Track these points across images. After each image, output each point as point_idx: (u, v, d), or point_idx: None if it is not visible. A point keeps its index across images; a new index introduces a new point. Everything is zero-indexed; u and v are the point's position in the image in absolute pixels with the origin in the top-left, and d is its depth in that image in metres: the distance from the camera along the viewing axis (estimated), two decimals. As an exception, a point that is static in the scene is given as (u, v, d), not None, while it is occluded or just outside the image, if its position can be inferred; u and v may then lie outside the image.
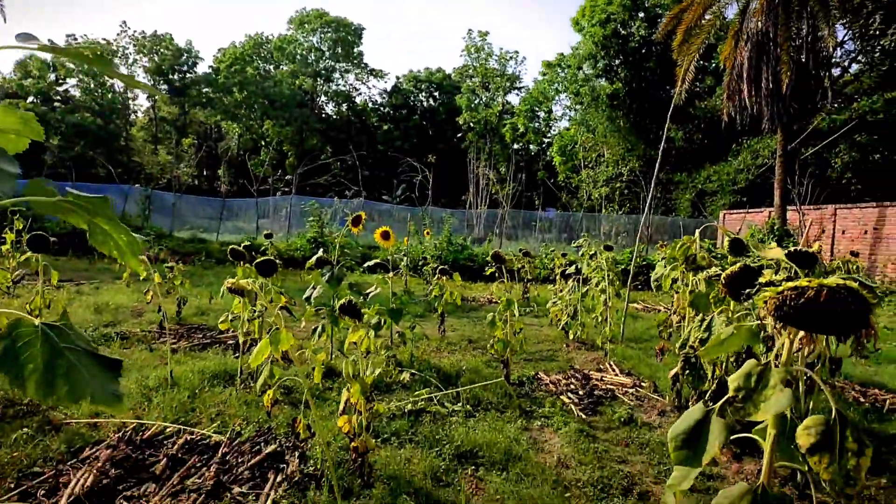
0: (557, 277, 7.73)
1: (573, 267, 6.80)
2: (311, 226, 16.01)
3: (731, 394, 1.18)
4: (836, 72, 25.33)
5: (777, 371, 1.17)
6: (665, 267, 4.25)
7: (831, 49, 15.23)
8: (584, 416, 4.21)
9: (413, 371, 4.94)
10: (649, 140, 32.96)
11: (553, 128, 45.86)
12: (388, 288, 5.40)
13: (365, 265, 5.38)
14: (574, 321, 6.93)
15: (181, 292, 6.98)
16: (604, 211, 29.54)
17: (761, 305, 1.23)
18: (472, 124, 44.68)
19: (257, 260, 3.65)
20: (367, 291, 5.00)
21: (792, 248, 2.56)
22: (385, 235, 5.09)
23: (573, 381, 5.14)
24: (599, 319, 6.66)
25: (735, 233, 16.38)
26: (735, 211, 21.59)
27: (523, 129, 42.59)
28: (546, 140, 46.19)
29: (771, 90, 13.23)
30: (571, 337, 6.87)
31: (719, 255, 13.76)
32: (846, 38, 24.65)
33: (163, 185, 30.04)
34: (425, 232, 13.17)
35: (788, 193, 15.13)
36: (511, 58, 47.08)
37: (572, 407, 4.39)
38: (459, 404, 4.24)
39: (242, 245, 4.88)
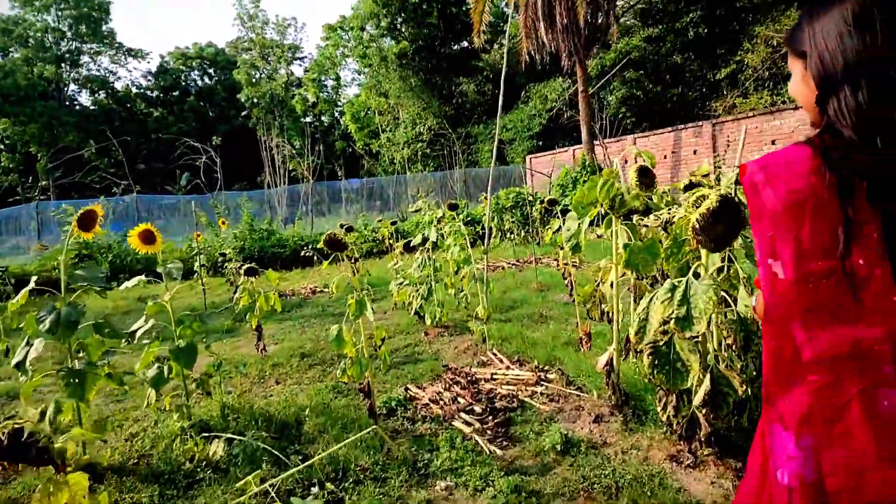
0: (397, 251, 6.33)
1: (420, 236, 5.38)
2: (69, 235, 12.76)
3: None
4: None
5: None
6: (578, 218, 2.96)
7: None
8: (498, 452, 2.84)
9: (231, 434, 3.20)
10: (443, 96, 32.58)
11: (343, 96, 43.90)
12: (169, 307, 3.53)
13: (131, 281, 3.40)
14: (430, 302, 5.56)
15: None
16: (409, 172, 28.67)
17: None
18: (255, 100, 40.98)
19: None
20: (134, 329, 3.17)
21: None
22: (147, 237, 3.21)
23: (458, 390, 3.76)
24: (462, 295, 5.37)
25: (547, 174, 16.04)
26: (540, 154, 21.82)
27: (314, 98, 40.13)
28: (339, 109, 44.12)
29: (566, 26, 12.90)
30: (429, 322, 5.50)
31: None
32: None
33: None
34: (220, 222, 10.92)
35: (593, 129, 15.20)
36: (289, 25, 43.90)
37: (476, 438, 3.00)
38: (315, 488, 2.63)
39: None
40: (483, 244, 6.15)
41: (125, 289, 3.22)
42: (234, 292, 8.47)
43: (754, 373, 2.27)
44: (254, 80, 41.34)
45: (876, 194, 1.05)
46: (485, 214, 6.40)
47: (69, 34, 41.76)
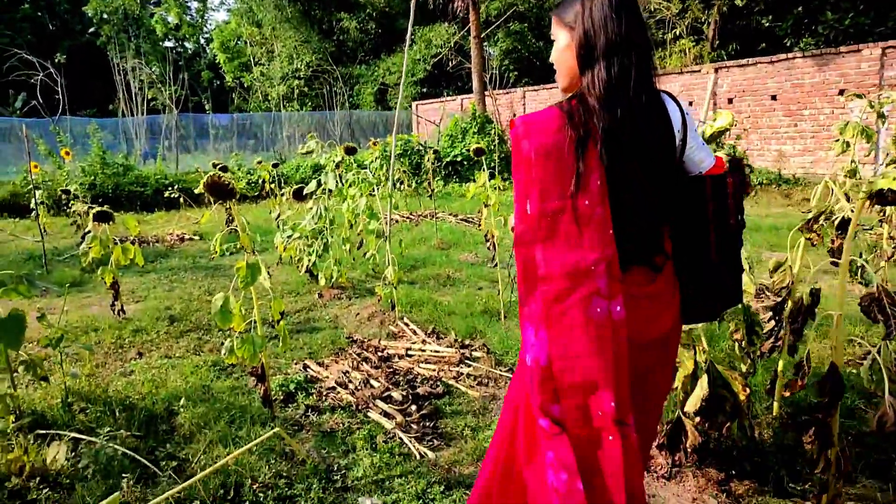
0: (283, 199, 5.55)
1: (314, 183, 4.66)
2: None
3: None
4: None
5: None
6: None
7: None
8: (430, 455, 2.36)
9: (77, 432, 2.44)
10: (323, 31, 30.60)
11: (211, 22, 40.10)
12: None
13: None
14: (324, 259, 4.89)
15: None
16: (285, 110, 26.86)
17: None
18: (105, 15, 36.19)
19: None
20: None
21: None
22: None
23: (369, 369, 3.21)
24: (363, 252, 4.78)
25: (436, 122, 15.46)
26: (427, 101, 21.13)
27: (177, 20, 36.19)
28: (205, 36, 40.21)
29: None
30: (324, 283, 4.86)
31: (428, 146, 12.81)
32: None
33: None
34: (63, 152, 9.32)
35: (483, 79, 14.75)
36: (145, -70, 38.80)
37: (401, 436, 2.49)
38: (199, 520, 2.00)
39: None
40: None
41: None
42: (82, 238, 7.24)
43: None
44: (103, -9, 36.40)
45: (607, 152, 1.27)
46: (377, 160, 5.72)
47: None
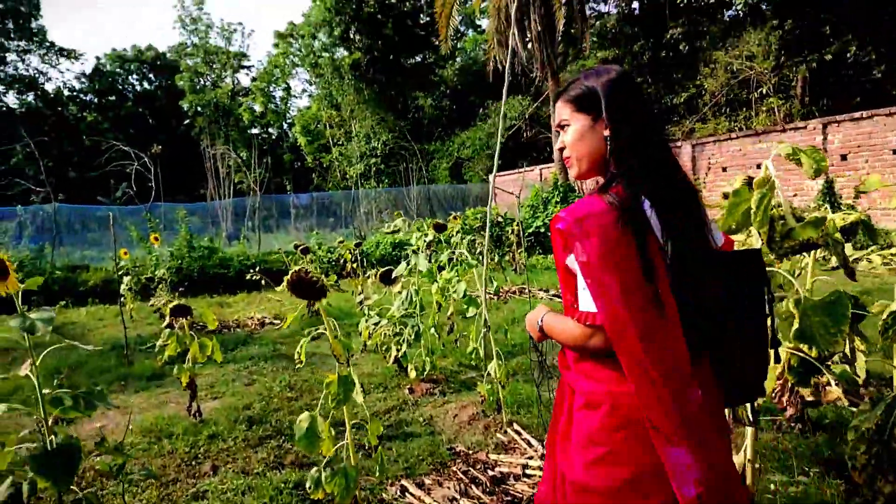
0: (368, 281, 5.16)
1: (403, 265, 4.23)
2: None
3: None
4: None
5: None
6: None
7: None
8: None
9: None
10: (398, 111, 31.54)
11: (293, 107, 42.29)
12: (35, 378, 2.29)
13: None
14: (414, 349, 4.39)
15: None
16: (362, 188, 27.39)
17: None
18: (199, 108, 38.89)
19: None
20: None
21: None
22: (-7, 271, 1.94)
23: (479, 494, 2.61)
24: (470, 347, 4.24)
25: (515, 193, 15.05)
26: (504, 173, 20.93)
27: (262, 109, 38.43)
28: (288, 121, 42.41)
29: (540, 34, 12.06)
30: (414, 375, 4.34)
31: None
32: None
33: None
34: (152, 237, 9.46)
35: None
36: (235, 30, 42.08)
37: None
38: None
39: None
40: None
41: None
42: (168, 325, 7.09)
43: None
44: (197, 87, 39.28)
45: (670, 239, 1.27)
46: (457, 234, 5.15)
47: (-6, 30, 38.76)
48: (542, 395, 3.49)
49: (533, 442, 3.09)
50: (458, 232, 6.02)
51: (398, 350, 4.47)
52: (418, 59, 32.68)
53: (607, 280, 1.22)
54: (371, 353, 5.36)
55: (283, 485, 2.85)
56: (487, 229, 4.26)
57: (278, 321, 7.56)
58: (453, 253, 4.15)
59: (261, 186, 21.26)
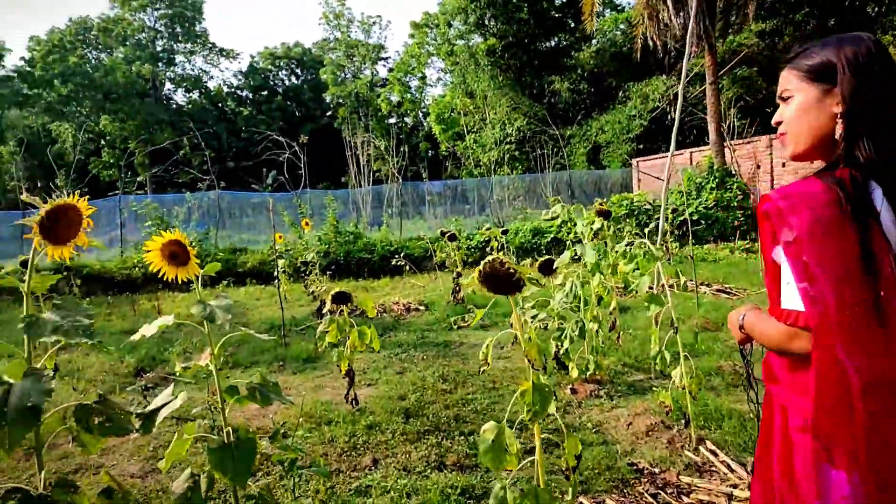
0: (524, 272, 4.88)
1: (567, 255, 3.90)
2: (150, 232, 12.01)
3: None
4: None
5: None
6: None
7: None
8: None
9: None
10: (534, 95, 30.95)
11: (427, 96, 42.96)
12: (216, 373, 2.22)
13: (151, 327, 2.07)
14: (576, 346, 4.05)
15: None
16: (495, 175, 27.15)
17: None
18: (341, 99, 40.71)
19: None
20: (153, 407, 1.88)
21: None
22: (175, 254, 1.85)
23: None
24: (653, 350, 3.85)
25: (662, 178, 14.00)
26: (648, 157, 19.76)
27: (399, 98, 39.40)
28: (423, 110, 43.20)
29: (697, 4, 11.05)
30: (576, 374, 4.00)
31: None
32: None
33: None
34: (304, 223, 9.82)
35: (721, 129, 13.17)
36: (374, 23, 43.43)
37: None
38: None
39: None
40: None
41: (141, 338, 1.85)
42: (318, 311, 7.27)
43: None
44: (339, 80, 41.07)
45: None
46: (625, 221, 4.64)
47: (165, 33, 42.89)
48: (738, 410, 3.02)
49: (734, 465, 2.65)
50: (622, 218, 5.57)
51: (559, 346, 4.14)
52: (553, 42, 31.84)
53: (815, 260, 1.06)
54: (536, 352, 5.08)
55: (449, 490, 2.65)
56: (662, 216, 3.82)
57: (423, 307, 7.51)
58: (631, 243, 3.73)
59: (398, 174, 21.75)
